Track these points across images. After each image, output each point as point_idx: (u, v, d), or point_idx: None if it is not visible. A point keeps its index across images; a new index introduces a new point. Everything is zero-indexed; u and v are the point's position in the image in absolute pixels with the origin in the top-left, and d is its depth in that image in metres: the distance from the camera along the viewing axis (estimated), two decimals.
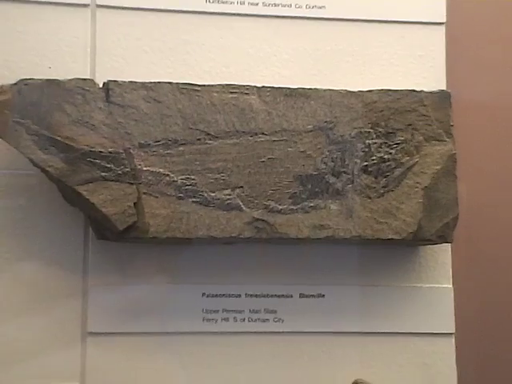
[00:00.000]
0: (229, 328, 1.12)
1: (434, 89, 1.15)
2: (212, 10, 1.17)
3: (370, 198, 1.11)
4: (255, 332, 1.12)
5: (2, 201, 1.11)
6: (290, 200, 1.09)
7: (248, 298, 1.13)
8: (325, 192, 1.10)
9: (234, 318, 1.12)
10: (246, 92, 1.11)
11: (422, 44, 1.22)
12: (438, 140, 1.13)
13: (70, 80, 1.05)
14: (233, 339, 1.12)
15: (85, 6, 1.15)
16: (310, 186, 1.10)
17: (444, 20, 1.22)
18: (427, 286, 1.17)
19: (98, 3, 1.15)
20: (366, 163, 1.12)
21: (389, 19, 1.21)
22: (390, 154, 1.12)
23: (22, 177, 1.12)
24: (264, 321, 1.12)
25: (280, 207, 1.08)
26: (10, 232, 1.10)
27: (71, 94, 1.06)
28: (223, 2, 1.18)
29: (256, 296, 1.13)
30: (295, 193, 1.09)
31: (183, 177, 1.07)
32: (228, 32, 1.18)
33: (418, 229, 1.10)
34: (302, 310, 1.14)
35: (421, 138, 1.13)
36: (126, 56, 1.14)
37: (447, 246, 1.16)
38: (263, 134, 1.10)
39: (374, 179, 1.11)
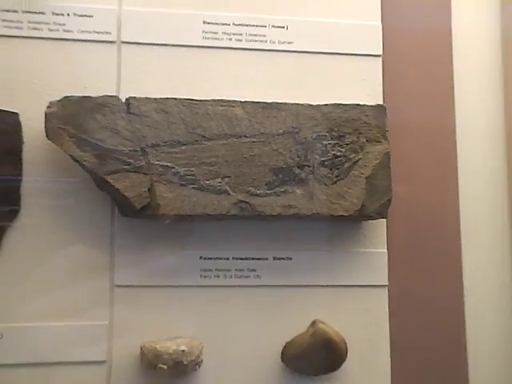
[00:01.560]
0: (220, 283, 1.11)
1: (374, 103, 1.15)
2: (207, 45, 1.15)
3: (326, 184, 1.10)
4: (240, 285, 1.11)
5: (55, 194, 1.08)
6: (266, 186, 1.09)
7: (234, 261, 1.12)
8: (292, 180, 1.10)
9: (224, 275, 1.11)
10: (233, 105, 1.11)
11: (365, 70, 1.20)
12: (376, 141, 1.13)
13: (100, 96, 1.05)
14: (223, 291, 1.11)
15: (112, 42, 1.12)
16: (280, 176, 1.10)
17: (381, 53, 1.20)
18: (368, 250, 1.16)
19: (123, 40, 1.12)
20: (323, 159, 1.11)
21: (341, 52, 1.19)
22: (341, 151, 1.12)
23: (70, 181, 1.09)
24: (246, 277, 1.12)
25: (258, 192, 1.08)
26: (60, 216, 1.08)
27: (101, 106, 1.05)
28: (215, 39, 1.15)
29: (241, 259, 1.12)
30: (269, 181, 1.09)
31: (185, 169, 1.07)
32: (219, 61, 1.16)
33: (361, 208, 1.10)
34: (275, 268, 1.13)
35: (364, 139, 1.13)
36: (142, 78, 1.12)
37: (383, 221, 1.15)
38: (245, 136, 1.10)
39: (329, 171, 1.11)
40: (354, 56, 1.19)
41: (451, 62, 1.25)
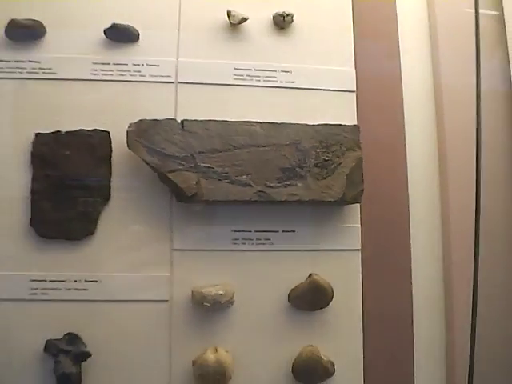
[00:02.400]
0: (245, 248, 1.21)
1: (351, 124, 1.26)
2: (236, 83, 1.26)
3: (318, 179, 1.20)
4: (258, 250, 1.21)
5: (132, 187, 1.20)
6: (277, 181, 1.19)
7: (255, 233, 1.22)
8: (295, 177, 1.20)
9: (248, 242, 1.22)
10: (254, 124, 1.21)
11: (345, 101, 1.30)
12: (353, 150, 1.24)
13: (164, 119, 1.17)
14: (247, 254, 1.21)
15: (172, 82, 1.24)
16: (287, 174, 1.20)
17: (355, 89, 1.30)
18: (347, 225, 1.26)
19: (179, 81, 1.24)
20: (316, 162, 1.22)
21: (329, 88, 1.30)
22: (329, 157, 1.23)
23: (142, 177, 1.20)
24: (263, 244, 1.22)
25: (271, 184, 1.19)
26: (136, 202, 1.20)
27: (164, 126, 1.17)
28: (242, 79, 1.26)
29: (259, 231, 1.22)
30: (279, 177, 1.19)
31: (221, 169, 1.17)
32: (244, 94, 1.26)
33: (343, 196, 1.20)
34: (283, 238, 1.23)
35: (344, 148, 1.23)
36: (192, 107, 1.23)
37: (358, 205, 1.26)
38: (262, 146, 1.20)
39: (320, 170, 1.21)
40: (337, 91, 1.29)
41: (402, 95, 1.36)
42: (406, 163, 1.34)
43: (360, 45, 1.33)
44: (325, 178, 1.22)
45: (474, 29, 1.36)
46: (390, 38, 1.37)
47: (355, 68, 1.32)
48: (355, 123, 1.28)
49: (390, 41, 1.37)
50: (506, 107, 1.39)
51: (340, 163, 1.23)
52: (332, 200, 1.21)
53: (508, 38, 1.40)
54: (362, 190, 1.24)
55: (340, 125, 1.25)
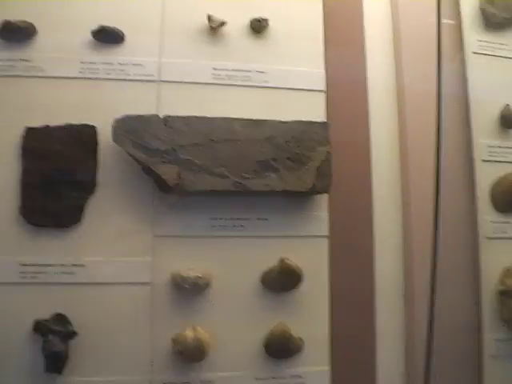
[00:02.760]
0: (222, 234, 1.28)
1: (321, 120, 1.34)
2: (215, 82, 1.33)
3: (290, 171, 1.28)
4: (234, 236, 1.29)
5: (118, 178, 1.26)
6: (253, 172, 1.26)
7: (231, 220, 1.29)
8: (269, 169, 1.27)
9: (224, 229, 1.29)
10: (232, 121, 1.28)
11: (314, 100, 1.37)
12: (323, 145, 1.31)
13: (147, 115, 1.23)
14: (223, 239, 1.28)
15: (155, 81, 1.31)
16: (262, 166, 1.27)
17: (324, 89, 1.38)
18: (315, 213, 1.34)
19: (162, 79, 1.31)
20: (289, 155, 1.29)
21: (301, 88, 1.37)
22: (301, 151, 1.30)
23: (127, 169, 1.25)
24: (239, 230, 1.29)
25: (248, 176, 1.25)
26: (121, 192, 1.26)
27: (147, 121, 1.23)
28: (220, 79, 1.32)
29: (235, 219, 1.29)
30: (255, 169, 1.26)
31: (201, 162, 1.23)
32: (222, 92, 1.33)
33: (312, 186, 1.28)
34: (257, 225, 1.30)
35: (315, 143, 1.31)
36: (174, 104, 1.28)
37: (326, 195, 1.34)
38: (240, 141, 1.27)
39: (292, 163, 1.28)
40: (308, 91, 1.37)
41: (367, 96, 1.44)
42: (369, 158, 1.42)
43: (329, 48, 1.41)
44: (297, 171, 1.28)
45: (435, 36, 1.45)
46: (356, 43, 1.46)
47: (325, 70, 1.40)
48: (325, 120, 1.35)
49: (357, 45, 1.45)
50: (462, 110, 1.49)
51: (311, 157, 1.30)
52: (303, 190, 1.28)
53: (465, 46, 1.50)
54: (330, 182, 1.31)
55: (311, 122, 1.32)
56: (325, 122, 1.34)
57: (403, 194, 1.44)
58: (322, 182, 1.31)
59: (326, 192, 1.32)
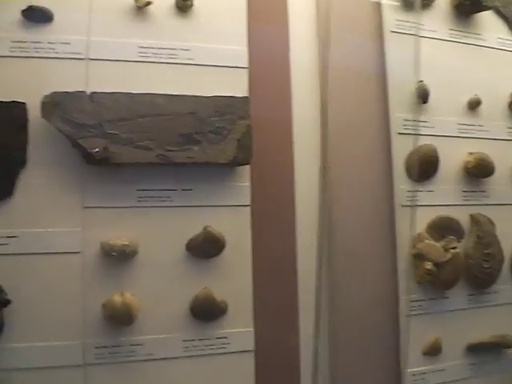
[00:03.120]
0: (148, 205, 1.32)
1: (242, 95, 1.38)
2: (141, 60, 1.35)
3: (213, 144, 1.33)
4: (160, 206, 1.33)
5: (47, 151, 1.28)
6: (176, 145, 1.30)
7: (157, 191, 1.34)
8: (192, 142, 1.31)
9: (150, 200, 1.33)
10: (156, 96, 1.31)
11: (237, 77, 1.41)
12: (243, 118, 1.36)
13: (75, 91, 1.26)
14: (150, 209, 1.32)
15: (83, 59, 1.32)
16: (185, 139, 1.31)
17: (247, 66, 1.42)
18: (238, 184, 1.39)
19: (90, 57, 1.32)
20: (211, 128, 1.34)
21: (225, 65, 1.40)
22: (222, 124, 1.35)
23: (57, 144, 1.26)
24: (164, 201, 1.33)
25: (171, 148, 1.30)
26: (51, 165, 1.27)
27: (75, 97, 1.26)
28: (147, 57, 1.34)
29: (161, 190, 1.34)
30: (178, 142, 1.30)
31: (126, 135, 1.27)
32: (148, 69, 1.35)
33: (234, 158, 1.33)
34: (182, 196, 1.35)
35: (236, 117, 1.36)
36: (102, 81, 1.30)
37: (248, 166, 1.39)
38: (164, 115, 1.31)
39: (215, 136, 1.33)
40: (231, 68, 1.41)
41: (289, 71, 1.50)
42: (291, 131, 1.49)
43: (253, 26, 1.45)
44: (218, 143, 1.34)
45: (357, 14, 1.57)
46: (280, 20, 1.51)
47: (248, 47, 1.43)
48: (246, 95, 1.39)
49: (281, 22, 1.50)
50: (380, 85, 1.57)
51: (232, 130, 1.35)
52: (224, 162, 1.33)
53: (384, 25, 1.57)
54: (251, 154, 1.36)
55: (232, 97, 1.36)
56: (245, 97, 1.38)
57: (322, 163, 1.49)
58: (243, 154, 1.36)
59: (247, 163, 1.37)
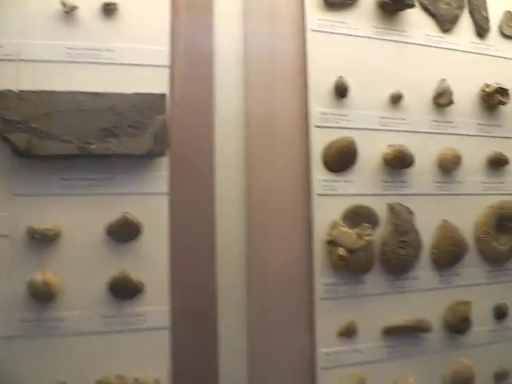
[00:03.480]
0: (73, 192, 1.40)
1: (162, 92, 1.46)
2: (68, 60, 1.42)
3: (130, 137, 1.41)
4: (83, 194, 1.41)
5: None
6: (96, 138, 1.39)
7: (81, 180, 1.42)
8: (111, 135, 1.39)
9: (75, 187, 1.41)
10: (78, 94, 1.39)
11: (159, 74, 1.48)
12: (160, 113, 1.44)
13: (3, 90, 1.34)
14: (75, 196, 1.40)
15: (15, 60, 1.39)
16: (105, 133, 1.39)
17: (167, 64, 1.49)
18: (156, 173, 1.47)
19: (21, 58, 1.40)
20: (129, 123, 1.42)
21: (146, 63, 1.48)
22: (140, 119, 1.43)
23: None
24: (89, 188, 1.42)
25: (91, 141, 1.38)
26: None
27: (4, 96, 1.34)
28: (72, 56, 1.42)
29: (84, 179, 1.42)
30: (98, 136, 1.38)
31: (50, 130, 1.35)
32: (73, 69, 1.42)
33: (151, 149, 1.42)
34: (104, 184, 1.43)
35: (153, 112, 1.43)
36: (32, 80, 1.37)
37: (166, 157, 1.47)
38: (85, 110, 1.39)
39: (133, 129, 1.41)
40: (153, 66, 1.48)
41: (212, 68, 1.56)
42: (213, 124, 1.56)
43: (177, 25, 1.54)
44: (135, 136, 1.42)
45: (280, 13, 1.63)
46: (204, 18, 1.59)
47: (171, 45, 1.51)
48: (164, 92, 1.47)
49: (205, 20, 1.59)
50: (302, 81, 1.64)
51: (149, 124, 1.44)
52: (141, 153, 1.43)
53: (307, 24, 1.64)
54: (167, 146, 1.46)
55: (150, 93, 1.45)
56: (162, 94, 1.46)
57: (245, 157, 1.59)
58: (159, 146, 1.45)
59: (163, 155, 1.46)
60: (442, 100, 1.75)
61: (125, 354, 1.45)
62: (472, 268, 1.82)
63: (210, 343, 1.52)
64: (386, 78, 1.71)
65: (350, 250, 1.56)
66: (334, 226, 1.57)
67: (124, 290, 1.44)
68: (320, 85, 1.62)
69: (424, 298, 1.73)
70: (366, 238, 1.57)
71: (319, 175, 1.60)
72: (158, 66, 1.51)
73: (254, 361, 1.55)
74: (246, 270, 1.56)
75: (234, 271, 1.56)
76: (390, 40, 1.74)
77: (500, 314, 1.83)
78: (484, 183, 1.86)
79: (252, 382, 1.55)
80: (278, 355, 1.57)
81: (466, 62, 1.86)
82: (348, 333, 1.60)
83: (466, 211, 1.82)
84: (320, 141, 1.61)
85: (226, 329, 1.54)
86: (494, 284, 1.85)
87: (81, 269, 1.43)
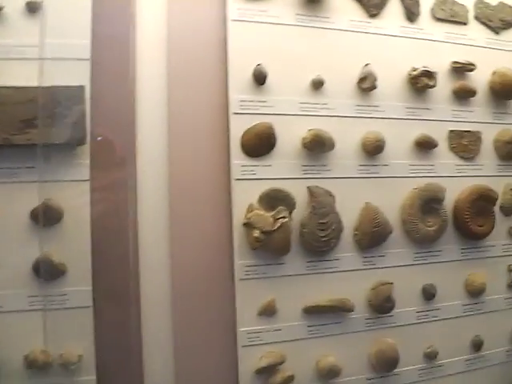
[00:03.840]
0: (7, 180, 1.54)
1: (82, 84, 1.60)
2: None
3: (50, 127, 1.54)
4: (7, 182, 1.54)
5: None
6: (18, 130, 1.51)
7: (5, 170, 1.55)
8: (31, 126, 1.52)
9: (9, 175, 1.54)
10: (3, 88, 1.52)
11: (81, 67, 1.60)
12: (79, 104, 1.57)
13: None
14: (8, 184, 1.54)
15: None
16: (26, 124, 1.51)
17: (89, 57, 1.61)
18: (77, 161, 1.59)
19: None
20: (49, 114, 1.54)
21: (66, 57, 1.59)
22: (59, 110, 1.55)
23: None
24: (11, 177, 1.55)
25: (14, 132, 1.51)
26: None
27: None
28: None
29: (8, 168, 1.55)
30: (20, 127, 1.51)
31: None
32: (3, 66, 1.55)
33: (70, 138, 1.56)
34: (27, 173, 1.57)
35: (71, 103, 1.57)
36: None
37: (87, 146, 1.60)
38: (7, 104, 1.51)
39: (52, 120, 1.54)
40: (75, 60, 1.60)
41: (134, 59, 1.68)
42: (135, 113, 1.69)
43: (97, 20, 1.67)
44: (55, 126, 1.55)
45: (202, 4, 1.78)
46: (124, 12, 1.73)
47: (93, 39, 1.63)
48: (83, 84, 1.60)
49: (126, 12, 1.72)
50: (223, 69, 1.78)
51: (68, 114, 1.57)
52: (61, 142, 1.56)
53: (227, 13, 1.79)
54: (86, 135, 1.59)
55: (69, 86, 1.58)
56: (80, 86, 1.60)
57: (167, 144, 1.73)
58: (78, 135, 1.59)
59: (82, 144, 1.59)
60: (365, 84, 1.86)
61: (50, 332, 1.60)
62: (398, 249, 1.94)
63: (133, 321, 1.67)
64: (307, 64, 1.82)
65: (265, 232, 1.69)
66: (250, 208, 1.71)
67: (47, 271, 1.60)
68: (240, 73, 1.74)
69: (348, 279, 1.85)
70: (281, 220, 1.70)
71: (237, 160, 1.73)
72: (79, 59, 1.65)
73: (178, 340, 1.69)
74: (168, 252, 1.69)
75: (156, 252, 1.69)
76: (313, 27, 1.85)
77: (428, 295, 1.94)
78: (412, 166, 1.97)
79: (176, 360, 1.69)
80: (202, 333, 1.71)
81: (395, 46, 1.96)
82: (268, 312, 1.73)
83: (392, 194, 1.92)
84: (239, 127, 1.73)
85: (150, 307, 1.69)
86: (422, 265, 1.97)
87: (6, 251, 1.58)
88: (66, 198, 1.61)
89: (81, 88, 1.63)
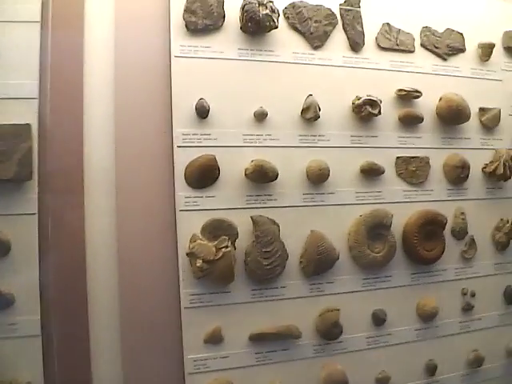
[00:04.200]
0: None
1: (30, 122, 1.79)
2: None
3: None
4: None
5: None
6: None
7: None
8: None
9: None
10: None
11: (29, 106, 1.77)
12: (25, 141, 1.75)
13: None
14: None
15: None
16: None
17: (37, 96, 1.77)
18: (25, 196, 1.74)
19: None
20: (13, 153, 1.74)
21: (14, 97, 1.75)
22: (6, 147, 1.73)
23: None
24: None
25: None
26: None
27: None
28: None
29: None
30: None
31: None
32: None
33: (15, 174, 1.72)
34: None
35: (18, 141, 1.73)
36: None
37: (35, 180, 1.75)
38: None
39: (0, 158, 1.83)
40: (23, 99, 1.77)
41: (82, 96, 1.85)
42: (82, 147, 1.85)
43: (45, 60, 1.85)
44: (2, 163, 1.72)
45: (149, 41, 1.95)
46: (75, 50, 1.89)
47: (39, 79, 1.79)
48: (29, 123, 1.75)
49: (75, 53, 1.89)
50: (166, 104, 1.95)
51: (14, 152, 1.74)
52: (7, 178, 1.72)
53: (171, 51, 1.96)
54: (31, 171, 1.75)
55: (16, 124, 1.73)
56: (27, 124, 1.75)
57: (115, 177, 1.88)
58: (24, 171, 1.74)
59: (29, 179, 1.73)
60: (309, 114, 2.00)
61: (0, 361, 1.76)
62: (346, 276, 2.06)
63: (82, 347, 1.81)
64: (251, 96, 1.96)
65: (207, 262, 1.82)
66: (193, 239, 1.85)
67: None
68: (183, 107, 1.89)
69: (295, 306, 1.96)
70: (224, 249, 1.84)
71: (181, 192, 1.87)
72: (27, 98, 1.81)
73: (127, 366, 1.82)
74: (117, 282, 1.83)
75: (104, 283, 1.83)
76: (256, 60, 1.99)
77: (378, 320, 2.06)
78: (358, 193, 2.09)
79: None
80: (150, 361, 1.84)
81: (339, 76, 2.10)
82: (214, 340, 1.85)
83: (338, 221, 2.05)
84: (183, 160, 1.88)
85: (99, 333, 1.82)
86: (371, 291, 2.08)
87: None
88: (15, 231, 1.76)
89: (27, 126, 1.79)
